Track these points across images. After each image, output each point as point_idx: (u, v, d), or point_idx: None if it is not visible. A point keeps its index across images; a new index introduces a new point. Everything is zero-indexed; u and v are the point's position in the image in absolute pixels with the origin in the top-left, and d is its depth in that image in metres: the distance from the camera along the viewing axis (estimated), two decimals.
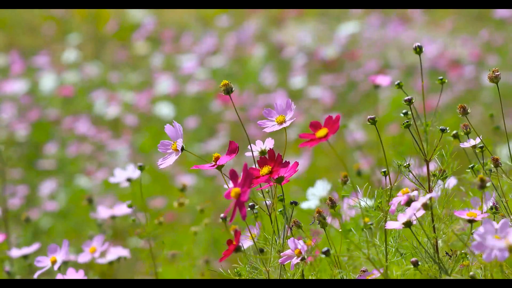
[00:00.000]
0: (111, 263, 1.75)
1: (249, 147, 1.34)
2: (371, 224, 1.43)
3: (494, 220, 1.32)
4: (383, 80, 1.99)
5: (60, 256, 1.51)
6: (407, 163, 1.33)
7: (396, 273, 1.33)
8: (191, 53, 5.62)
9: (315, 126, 1.26)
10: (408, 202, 1.21)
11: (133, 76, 5.46)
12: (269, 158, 1.31)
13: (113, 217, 1.86)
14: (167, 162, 1.33)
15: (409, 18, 5.97)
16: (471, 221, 1.26)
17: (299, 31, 6.14)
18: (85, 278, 1.47)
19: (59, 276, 1.48)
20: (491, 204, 1.34)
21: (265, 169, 1.30)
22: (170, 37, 5.95)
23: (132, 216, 1.68)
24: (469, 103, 1.41)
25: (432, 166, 1.36)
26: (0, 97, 5.04)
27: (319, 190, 1.67)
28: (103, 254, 1.74)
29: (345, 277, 1.34)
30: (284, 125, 1.32)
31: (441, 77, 1.42)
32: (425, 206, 1.20)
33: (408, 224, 1.23)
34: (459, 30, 5.81)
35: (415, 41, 5.28)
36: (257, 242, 1.33)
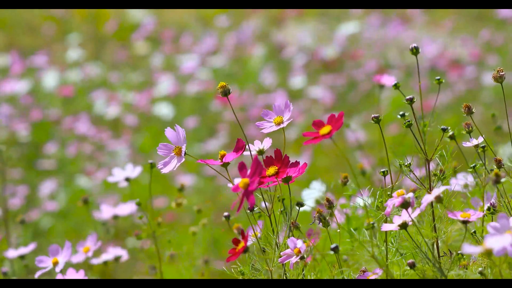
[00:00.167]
0: (106, 263, 1.75)
1: (247, 146, 1.34)
2: (373, 224, 1.43)
3: (492, 220, 1.32)
4: (388, 80, 1.99)
5: (62, 257, 1.50)
6: (408, 163, 1.33)
7: (396, 273, 1.33)
8: (191, 53, 5.62)
9: (318, 124, 1.26)
10: (403, 205, 1.21)
11: (133, 76, 5.46)
12: (276, 158, 1.31)
13: (115, 217, 1.86)
14: (169, 167, 1.31)
15: (409, 18, 5.97)
16: (465, 222, 1.26)
17: (299, 31, 6.14)
18: (85, 278, 1.46)
19: (59, 276, 1.47)
20: (490, 204, 1.34)
21: (272, 170, 1.30)
22: (170, 37, 5.95)
23: (137, 215, 1.67)
24: (470, 103, 1.40)
25: (432, 166, 1.36)
26: (0, 97, 5.04)
27: (315, 191, 1.67)
28: (97, 253, 1.74)
29: (345, 277, 1.34)
30: (282, 125, 1.32)
31: (438, 77, 1.42)
32: (438, 198, 1.20)
33: (403, 225, 1.23)
34: (459, 30, 5.81)
35: (415, 41, 5.28)
36: (260, 241, 1.32)
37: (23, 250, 1.80)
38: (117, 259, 1.75)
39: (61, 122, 4.79)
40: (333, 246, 1.20)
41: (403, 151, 1.39)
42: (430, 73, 4.84)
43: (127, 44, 6.10)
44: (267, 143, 1.35)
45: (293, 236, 1.32)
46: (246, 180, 1.19)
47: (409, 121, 1.33)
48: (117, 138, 4.62)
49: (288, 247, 1.30)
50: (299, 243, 1.27)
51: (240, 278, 1.32)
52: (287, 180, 1.29)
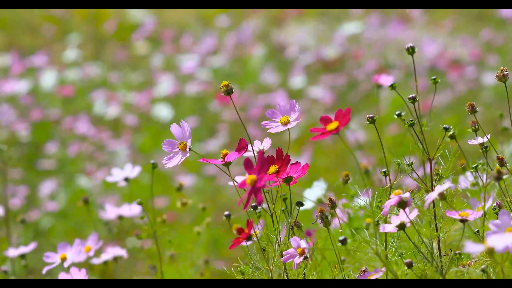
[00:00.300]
0: (106, 262, 1.75)
1: (249, 147, 1.33)
2: (378, 221, 1.43)
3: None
4: (386, 80, 1.99)
5: (71, 253, 1.51)
6: (410, 162, 1.33)
7: (396, 273, 1.32)
8: (191, 53, 5.62)
9: (326, 120, 1.26)
10: (400, 204, 1.21)
11: (133, 76, 5.46)
12: (277, 157, 1.30)
13: (120, 217, 1.86)
14: (173, 162, 1.31)
15: (409, 18, 5.97)
16: (463, 221, 1.26)
17: (299, 31, 6.14)
18: (87, 277, 1.47)
19: (62, 274, 1.48)
20: (496, 203, 1.34)
21: (272, 168, 1.29)
22: (170, 37, 5.94)
23: (139, 215, 1.67)
24: (466, 107, 1.40)
25: (432, 166, 1.36)
26: (0, 97, 5.04)
27: (316, 191, 1.67)
28: (98, 253, 1.74)
29: (346, 277, 1.34)
30: (289, 126, 1.31)
31: (434, 77, 1.42)
32: (441, 195, 1.20)
33: (401, 226, 1.23)
34: (459, 30, 5.81)
35: (415, 41, 5.28)
36: (260, 240, 1.32)
37: (23, 250, 1.80)
38: (116, 259, 1.75)
39: (61, 122, 4.79)
40: (341, 238, 1.20)
41: (402, 151, 1.39)
42: (430, 73, 4.84)
43: (127, 44, 6.10)
44: (267, 144, 1.34)
45: (294, 235, 1.31)
46: (253, 176, 1.18)
47: (411, 120, 1.33)
48: (117, 138, 4.62)
49: (289, 247, 1.29)
50: (303, 243, 1.27)
51: (240, 278, 1.32)
52: (288, 180, 1.29)
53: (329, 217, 1.29)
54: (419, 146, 1.33)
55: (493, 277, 1.21)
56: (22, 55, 5.71)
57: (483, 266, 1.21)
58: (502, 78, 1.36)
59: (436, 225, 1.31)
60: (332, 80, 5.04)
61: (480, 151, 1.37)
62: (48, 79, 5.15)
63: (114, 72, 5.54)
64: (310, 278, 1.34)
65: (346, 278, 1.33)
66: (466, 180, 1.52)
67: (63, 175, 4.24)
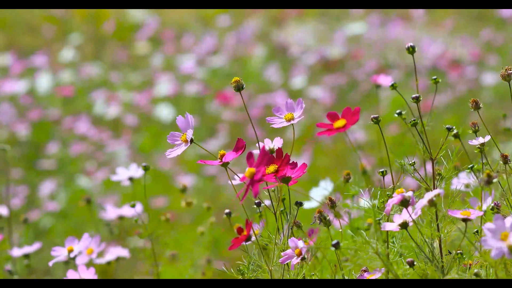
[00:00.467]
0: (109, 263, 1.75)
1: (257, 145, 1.33)
2: (379, 220, 1.43)
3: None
4: (385, 80, 1.99)
5: (78, 246, 1.51)
6: (413, 161, 1.33)
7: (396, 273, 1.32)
8: (191, 53, 5.62)
9: (333, 116, 1.25)
10: (403, 203, 1.21)
11: (133, 76, 5.46)
12: (277, 156, 1.31)
13: (121, 218, 1.86)
14: (175, 152, 1.32)
15: (410, 18, 5.97)
16: (465, 220, 1.26)
17: (299, 31, 6.14)
18: (95, 277, 1.47)
19: (71, 272, 1.48)
20: (490, 202, 1.34)
21: (271, 168, 1.30)
22: (170, 37, 5.94)
23: (135, 216, 1.68)
24: (472, 101, 1.40)
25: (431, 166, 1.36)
26: (0, 97, 5.04)
27: (322, 189, 1.67)
28: (101, 254, 1.74)
29: (346, 277, 1.34)
30: (292, 122, 1.32)
31: (434, 77, 1.42)
32: (431, 202, 1.19)
33: (404, 225, 1.23)
34: (459, 30, 5.81)
35: (415, 41, 5.28)
36: (261, 239, 1.32)
37: (27, 249, 1.80)
38: (119, 259, 1.76)
39: (61, 122, 4.79)
40: (334, 242, 1.20)
41: (403, 151, 1.39)
42: (430, 73, 4.84)
43: (127, 44, 6.10)
44: (277, 143, 1.35)
45: (294, 235, 1.31)
46: (252, 169, 1.19)
47: (414, 120, 1.33)
48: (117, 138, 4.62)
49: (288, 247, 1.29)
50: (300, 244, 1.27)
51: (240, 278, 1.32)
52: (287, 181, 1.29)
53: (330, 216, 1.29)
54: (420, 146, 1.33)
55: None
56: (22, 55, 5.71)
57: (476, 271, 1.21)
58: (507, 77, 1.36)
59: (437, 225, 1.31)
60: (333, 80, 5.04)
61: (481, 151, 1.37)
62: (44, 82, 5.15)
63: (114, 72, 5.55)
64: (310, 278, 1.34)
65: (346, 277, 1.33)
66: (458, 181, 1.52)
67: (63, 175, 4.24)
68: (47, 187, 3.97)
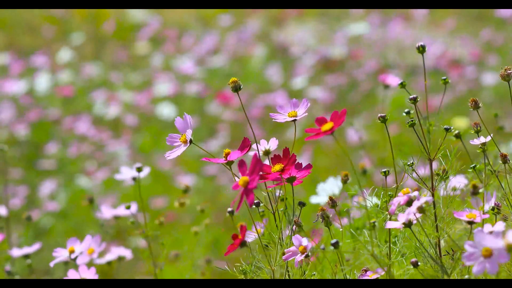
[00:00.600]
0: (109, 263, 1.76)
1: (256, 145, 1.34)
2: (374, 223, 1.43)
3: (496, 220, 1.32)
4: (393, 80, 2.01)
5: (79, 247, 1.51)
6: (411, 162, 1.33)
7: (396, 273, 1.32)
8: (192, 53, 5.62)
9: (321, 121, 1.27)
10: (409, 202, 1.21)
11: (133, 76, 5.46)
12: (283, 156, 1.31)
13: (116, 217, 1.86)
14: (175, 153, 1.33)
15: (410, 17, 5.97)
16: (470, 223, 1.25)
17: (299, 31, 6.14)
18: (96, 276, 1.47)
19: (72, 272, 1.48)
20: (492, 204, 1.33)
21: (277, 167, 1.30)
22: (170, 37, 5.94)
23: (132, 217, 1.68)
24: (472, 101, 1.40)
25: (434, 166, 1.36)
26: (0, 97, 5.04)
27: (330, 187, 1.67)
28: (101, 254, 1.74)
29: (347, 276, 1.33)
30: (296, 118, 1.33)
31: (444, 77, 1.42)
32: (420, 209, 1.19)
33: (408, 224, 1.23)
34: (459, 30, 5.81)
35: (415, 41, 5.28)
36: (262, 238, 1.32)
37: (27, 250, 1.80)
38: (121, 259, 1.76)
39: (61, 122, 4.79)
40: (333, 241, 1.20)
41: (405, 151, 1.39)
42: (431, 73, 4.84)
43: (127, 44, 6.10)
44: (273, 144, 1.35)
45: (297, 234, 1.31)
46: (246, 178, 1.19)
47: (412, 120, 1.33)
48: (117, 138, 4.62)
49: (291, 245, 1.29)
50: (304, 241, 1.27)
51: (242, 277, 1.31)
52: (291, 180, 1.30)
53: (330, 216, 1.29)
54: (420, 146, 1.33)
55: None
56: (22, 55, 5.71)
57: (466, 277, 1.21)
58: (506, 77, 1.36)
59: (436, 226, 1.31)
60: (334, 80, 5.04)
61: (481, 151, 1.37)
62: (44, 82, 5.15)
63: (114, 72, 5.54)
64: (311, 277, 1.34)
65: (347, 277, 1.33)
66: (458, 181, 1.51)
67: (63, 175, 4.24)
68: (47, 187, 3.97)
